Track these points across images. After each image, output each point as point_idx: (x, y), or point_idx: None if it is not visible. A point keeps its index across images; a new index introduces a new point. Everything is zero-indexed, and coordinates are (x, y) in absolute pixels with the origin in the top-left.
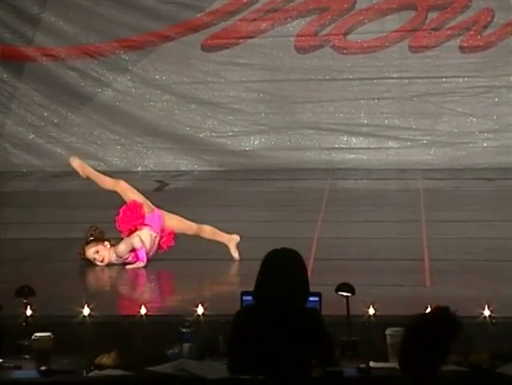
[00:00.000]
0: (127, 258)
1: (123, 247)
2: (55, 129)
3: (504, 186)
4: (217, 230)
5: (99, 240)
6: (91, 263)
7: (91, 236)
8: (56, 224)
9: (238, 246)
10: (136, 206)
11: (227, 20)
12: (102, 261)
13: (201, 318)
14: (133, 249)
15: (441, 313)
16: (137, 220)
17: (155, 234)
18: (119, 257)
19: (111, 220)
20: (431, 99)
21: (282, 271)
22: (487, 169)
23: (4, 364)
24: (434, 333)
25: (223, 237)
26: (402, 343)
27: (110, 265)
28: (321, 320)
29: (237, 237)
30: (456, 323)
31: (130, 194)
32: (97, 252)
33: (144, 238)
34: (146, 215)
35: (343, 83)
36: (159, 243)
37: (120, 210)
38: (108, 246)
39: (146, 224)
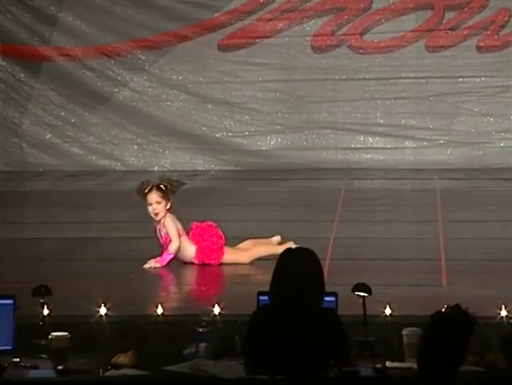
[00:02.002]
0: (163, 242)
1: (175, 244)
2: (72, 129)
3: None
4: (262, 244)
5: (168, 196)
6: (143, 198)
7: (168, 186)
8: (73, 223)
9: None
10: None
11: (244, 20)
12: (154, 214)
13: (218, 317)
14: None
15: (453, 311)
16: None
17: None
18: (162, 233)
19: (127, 219)
20: (448, 99)
21: (297, 271)
22: (504, 169)
23: (21, 363)
24: (449, 331)
25: (275, 248)
26: (420, 343)
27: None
28: (338, 320)
29: (278, 238)
30: (469, 319)
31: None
32: (159, 203)
33: (186, 252)
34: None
35: (359, 83)
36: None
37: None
38: (168, 207)
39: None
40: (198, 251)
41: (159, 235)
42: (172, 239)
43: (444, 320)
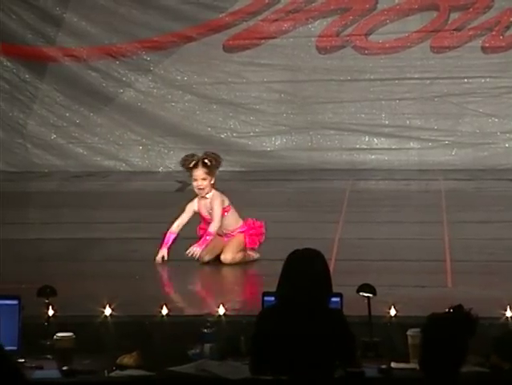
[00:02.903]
0: (205, 217)
1: (216, 225)
2: (77, 129)
3: None
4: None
5: (213, 171)
6: (187, 171)
7: (213, 161)
8: (78, 224)
9: (260, 246)
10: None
11: (249, 20)
12: (199, 189)
13: (223, 318)
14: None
15: (456, 311)
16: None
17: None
18: (207, 210)
19: (132, 220)
20: (453, 100)
21: (304, 271)
22: (509, 170)
23: (26, 364)
24: (451, 332)
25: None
26: (420, 343)
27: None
28: (344, 320)
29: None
30: (471, 320)
31: None
32: (204, 179)
33: (231, 222)
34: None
35: (364, 84)
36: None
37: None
38: (212, 182)
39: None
40: (244, 230)
41: (202, 211)
42: (214, 219)
43: (447, 323)
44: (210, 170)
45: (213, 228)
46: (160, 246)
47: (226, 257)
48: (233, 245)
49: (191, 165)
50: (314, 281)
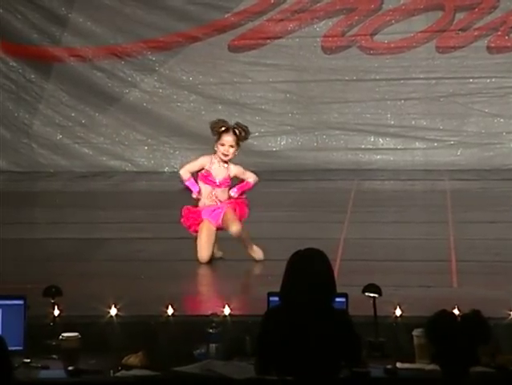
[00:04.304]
0: (219, 183)
1: (255, 178)
2: (83, 129)
3: None
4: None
5: (240, 143)
6: (216, 135)
7: (243, 133)
8: (83, 224)
9: (265, 247)
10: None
11: (254, 20)
12: (224, 155)
13: (228, 318)
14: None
15: (473, 317)
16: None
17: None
18: (220, 175)
19: (137, 220)
20: (458, 100)
21: (305, 271)
22: None
23: (32, 364)
24: (466, 337)
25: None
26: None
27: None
28: (349, 320)
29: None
30: (487, 327)
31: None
32: (231, 146)
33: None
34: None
35: (369, 84)
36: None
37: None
38: (237, 153)
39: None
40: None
41: (213, 173)
42: (249, 176)
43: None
44: (238, 140)
45: (253, 179)
46: (190, 191)
47: (235, 228)
48: (231, 216)
49: (222, 129)
50: (315, 280)
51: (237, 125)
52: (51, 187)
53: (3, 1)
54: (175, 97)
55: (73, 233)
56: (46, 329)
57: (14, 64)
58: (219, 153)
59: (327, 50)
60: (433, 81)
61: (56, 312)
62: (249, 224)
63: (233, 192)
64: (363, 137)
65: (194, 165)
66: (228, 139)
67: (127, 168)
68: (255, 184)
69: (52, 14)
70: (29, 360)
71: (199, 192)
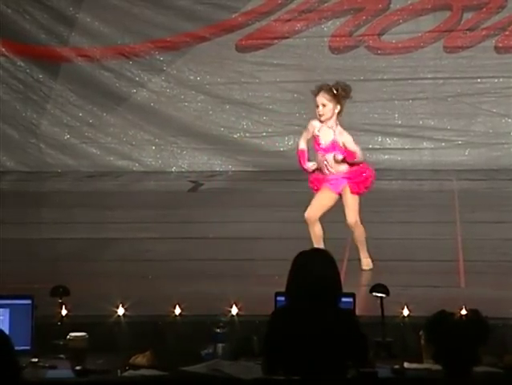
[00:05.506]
0: (322, 149)
1: (360, 153)
2: (90, 129)
3: None
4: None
5: (337, 99)
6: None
7: (338, 89)
8: (91, 224)
9: (273, 246)
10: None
11: (261, 20)
12: (319, 114)
13: (235, 318)
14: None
15: (473, 316)
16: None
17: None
18: (324, 137)
19: (145, 220)
20: (466, 100)
21: (312, 272)
22: None
23: (39, 363)
24: (464, 336)
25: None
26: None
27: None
28: (355, 321)
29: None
30: (486, 327)
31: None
32: (324, 105)
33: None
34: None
35: (377, 84)
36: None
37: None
38: (337, 110)
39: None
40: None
41: (321, 135)
42: (354, 149)
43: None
44: (333, 97)
45: (358, 156)
46: (301, 163)
47: (349, 218)
48: (350, 202)
49: (315, 92)
50: (322, 281)
51: (335, 84)
52: (59, 187)
53: (11, 1)
54: (182, 97)
55: (80, 233)
56: (54, 329)
57: (22, 64)
58: (317, 116)
59: (334, 50)
60: (441, 81)
61: (64, 312)
62: (258, 224)
63: (337, 155)
64: (370, 137)
65: (306, 135)
66: (318, 98)
67: (134, 168)
68: (360, 161)
69: (60, 15)
70: (36, 360)
71: (309, 167)
